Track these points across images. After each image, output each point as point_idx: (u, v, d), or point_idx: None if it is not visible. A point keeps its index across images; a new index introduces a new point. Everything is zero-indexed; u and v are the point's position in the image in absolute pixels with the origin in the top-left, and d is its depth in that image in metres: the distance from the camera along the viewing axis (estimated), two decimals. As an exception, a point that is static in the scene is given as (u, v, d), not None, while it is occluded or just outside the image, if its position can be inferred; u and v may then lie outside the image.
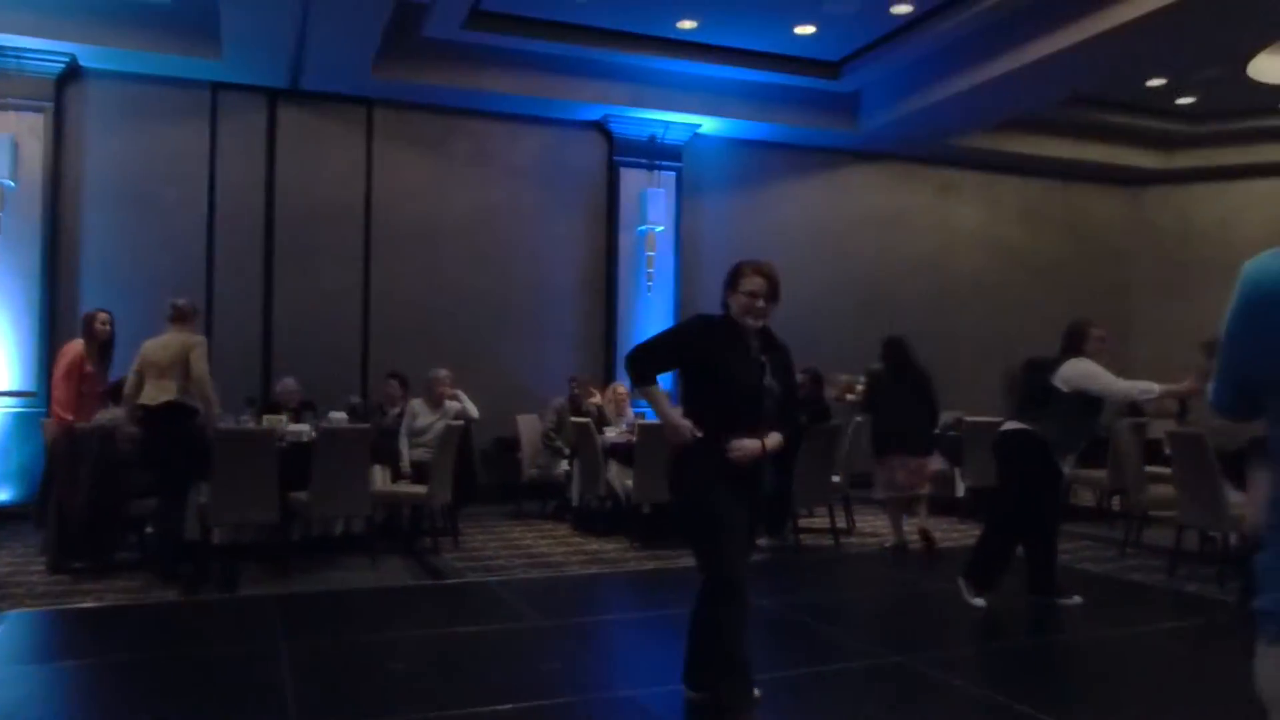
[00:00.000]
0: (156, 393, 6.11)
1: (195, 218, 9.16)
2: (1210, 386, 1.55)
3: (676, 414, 3.59)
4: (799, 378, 6.13)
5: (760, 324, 3.61)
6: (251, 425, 6.94)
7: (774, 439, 3.63)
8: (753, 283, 3.58)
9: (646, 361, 3.68)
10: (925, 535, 7.46)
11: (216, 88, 9.18)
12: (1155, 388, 5.25)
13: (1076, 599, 5.58)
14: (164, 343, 6.23)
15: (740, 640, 3.50)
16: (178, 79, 8.98)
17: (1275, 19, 8.04)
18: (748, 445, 3.53)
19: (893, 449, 7.46)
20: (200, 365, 6.16)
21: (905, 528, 7.59)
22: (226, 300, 9.14)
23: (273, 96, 9.39)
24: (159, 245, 8.97)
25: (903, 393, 7.42)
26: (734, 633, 3.49)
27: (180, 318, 6.36)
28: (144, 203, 8.98)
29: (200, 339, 6.36)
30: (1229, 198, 12.44)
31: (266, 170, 9.41)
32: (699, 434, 3.52)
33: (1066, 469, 5.62)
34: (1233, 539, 6.30)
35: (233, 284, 9.23)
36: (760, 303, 3.57)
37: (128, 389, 6.27)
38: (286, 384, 8.16)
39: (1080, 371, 5.36)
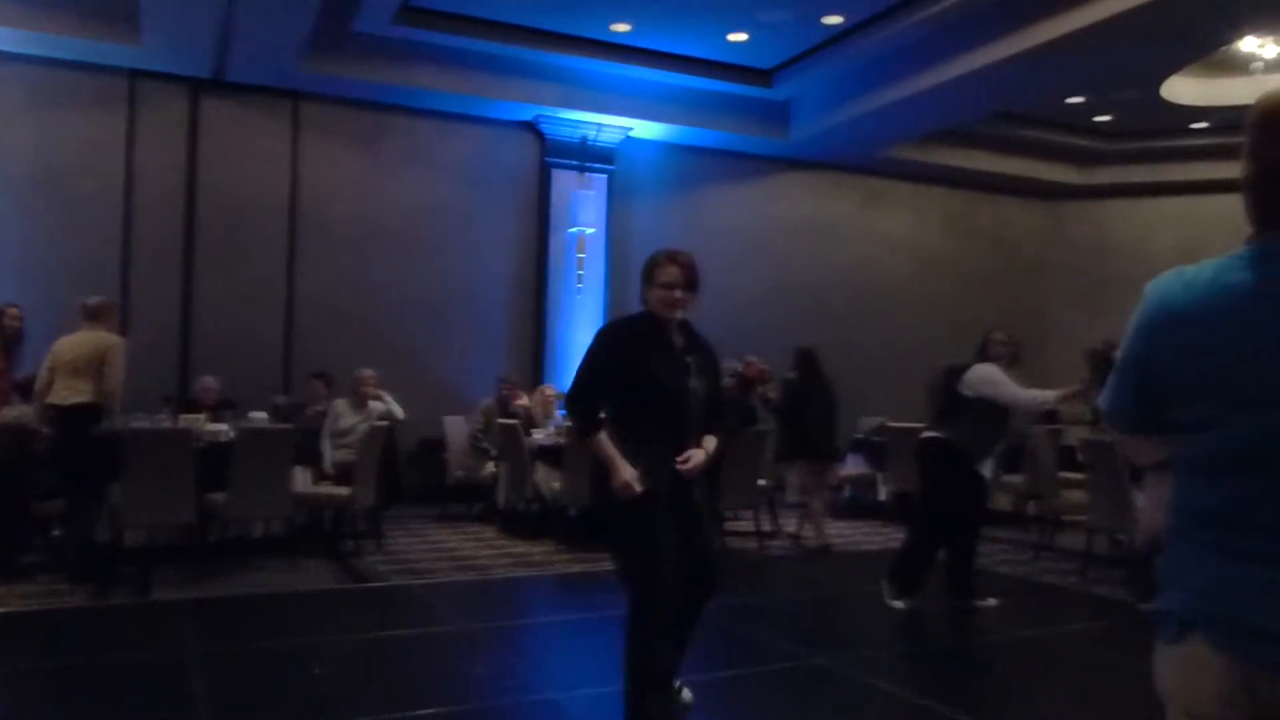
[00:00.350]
0: (68, 393, 5.92)
1: (111, 210, 8.87)
2: (1103, 399, 1.60)
3: (624, 464, 3.34)
4: (726, 381, 6.19)
5: (679, 315, 3.44)
6: (168, 424, 6.75)
7: (710, 444, 3.50)
8: (668, 273, 3.41)
9: (586, 402, 3.44)
10: (795, 538, 7.97)
11: (135, 76, 8.91)
12: (1050, 395, 5.45)
13: (992, 601, 5.71)
14: (78, 341, 6.04)
15: (661, 655, 3.40)
16: (93, 65, 8.68)
17: (1189, 43, 8.36)
18: (696, 457, 3.41)
19: (802, 454, 7.84)
20: (116, 370, 5.98)
21: (799, 527, 7.95)
22: (144, 295, 8.88)
23: (195, 86, 9.15)
24: (71, 237, 8.67)
25: (813, 401, 7.72)
26: (656, 648, 3.38)
27: (92, 316, 6.17)
28: (56, 193, 8.66)
29: (118, 340, 6.17)
30: (1141, 214, 12.87)
31: (188, 163, 9.16)
32: (641, 490, 3.31)
33: (987, 473, 5.74)
34: (1137, 540, 6.53)
35: (150, 279, 8.96)
36: (678, 293, 3.39)
37: (38, 386, 6.06)
38: (205, 382, 7.97)
39: (980, 376, 5.52)
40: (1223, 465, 1.38)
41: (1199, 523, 1.41)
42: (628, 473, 3.32)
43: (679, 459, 3.38)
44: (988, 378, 5.49)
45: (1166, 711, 1.48)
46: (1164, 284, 1.48)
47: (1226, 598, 1.35)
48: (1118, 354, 1.55)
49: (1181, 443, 1.45)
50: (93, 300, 6.25)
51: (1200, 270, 1.44)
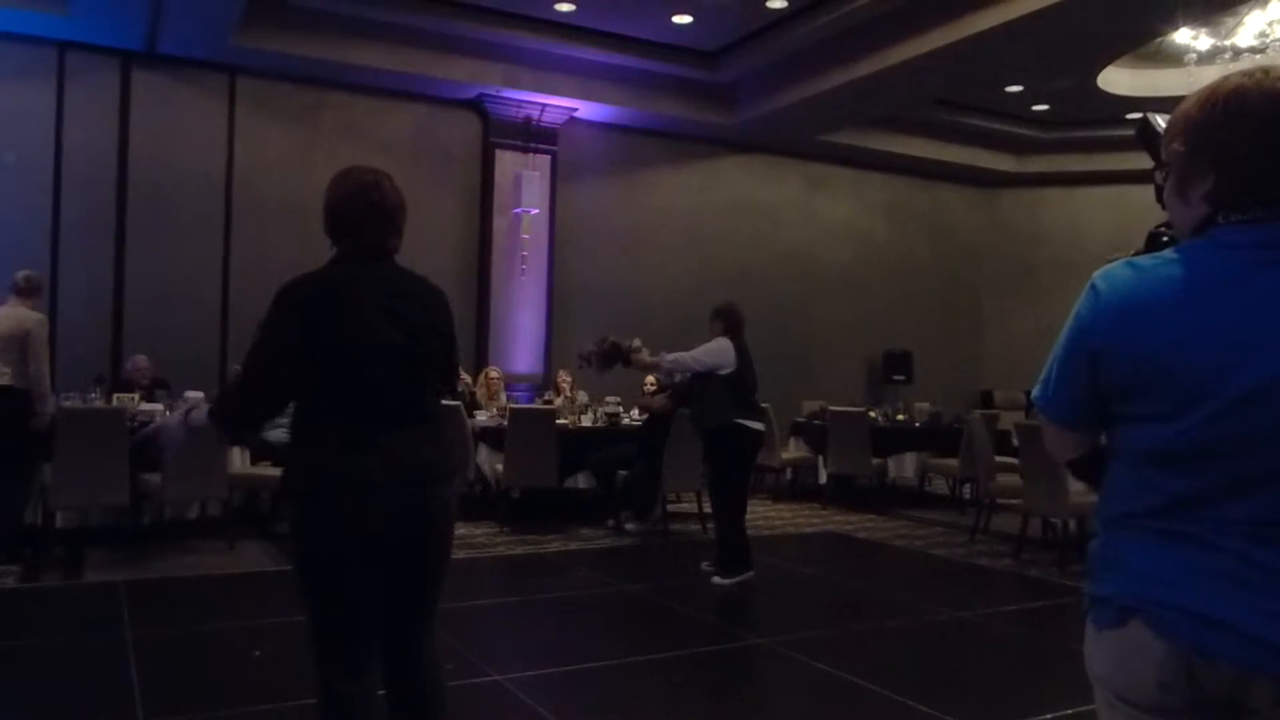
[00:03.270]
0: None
1: (39, 184, 8.59)
2: (1040, 390, 1.54)
3: None
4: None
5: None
6: (100, 404, 6.60)
7: None
8: None
9: None
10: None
11: (64, 47, 8.63)
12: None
13: (717, 576, 5.87)
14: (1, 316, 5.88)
15: None
16: (19, 35, 8.38)
17: (1124, 35, 8.54)
18: None
19: None
20: (39, 356, 5.82)
21: None
22: (73, 272, 8.63)
23: (126, 59, 8.89)
24: (-3, 211, 8.40)
25: None
26: None
27: (24, 291, 6.00)
28: (-19, 165, 8.38)
29: (39, 317, 6.02)
30: (1074, 202, 13.14)
31: (119, 137, 8.91)
32: None
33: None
34: (1071, 525, 6.71)
35: (80, 255, 8.72)
36: None
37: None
38: (137, 361, 7.79)
39: None
40: (1173, 458, 1.37)
41: (1144, 511, 1.41)
42: None
43: None
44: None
45: (1096, 695, 1.48)
46: (1117, 275, 1.43)
47: (1170, 584, 1.35)
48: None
49: (1129, 434, 1.45)
50: (28, 274, 6.09)
51: (1154, 263, 1.42)
